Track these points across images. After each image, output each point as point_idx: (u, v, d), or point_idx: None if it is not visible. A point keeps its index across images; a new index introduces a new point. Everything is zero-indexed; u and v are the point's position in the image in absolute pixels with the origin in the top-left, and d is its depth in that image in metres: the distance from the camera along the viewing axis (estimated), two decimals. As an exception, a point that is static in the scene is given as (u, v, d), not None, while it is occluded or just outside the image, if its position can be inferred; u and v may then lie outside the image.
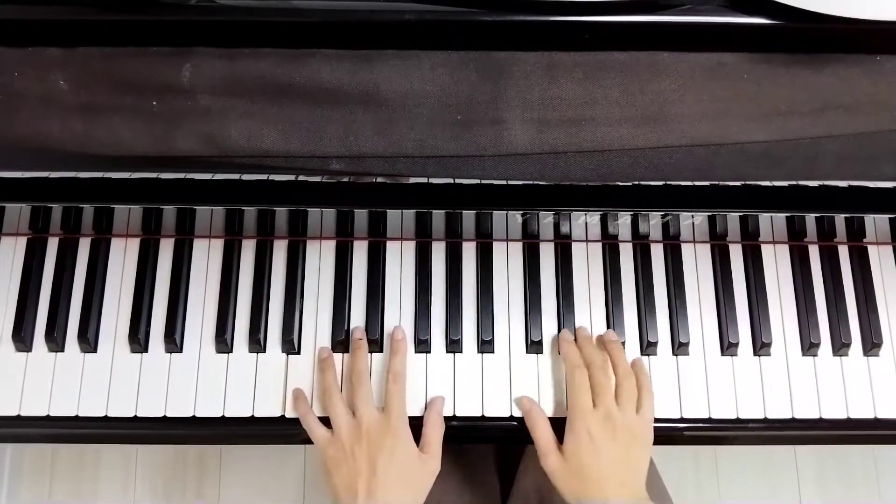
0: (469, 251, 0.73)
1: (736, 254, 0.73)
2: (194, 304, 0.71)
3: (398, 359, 0.67)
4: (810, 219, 0.74)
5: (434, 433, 0.65)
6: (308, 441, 0.67)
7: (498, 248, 0.73)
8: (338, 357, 0.69)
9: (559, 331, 0.71)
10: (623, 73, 0.51)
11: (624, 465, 0.62)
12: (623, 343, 0.70)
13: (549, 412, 0.68)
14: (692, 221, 0.74)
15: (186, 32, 0.51)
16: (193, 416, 0.68)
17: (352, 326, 0.71)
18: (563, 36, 0.51)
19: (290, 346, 0.70)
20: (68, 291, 0.71)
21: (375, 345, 0.70)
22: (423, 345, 0.70)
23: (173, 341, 0.69)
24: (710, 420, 0.69)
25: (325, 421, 0.66)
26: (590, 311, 0.72)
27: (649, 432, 0.65)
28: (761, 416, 0.69)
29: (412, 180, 0.60)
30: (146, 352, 0.70)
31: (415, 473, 0.63)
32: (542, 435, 0.65)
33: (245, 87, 0.51)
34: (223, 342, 0.69)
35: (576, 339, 0.69)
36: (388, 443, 0.62)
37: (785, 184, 0.61)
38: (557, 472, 0.63)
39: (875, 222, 0.74)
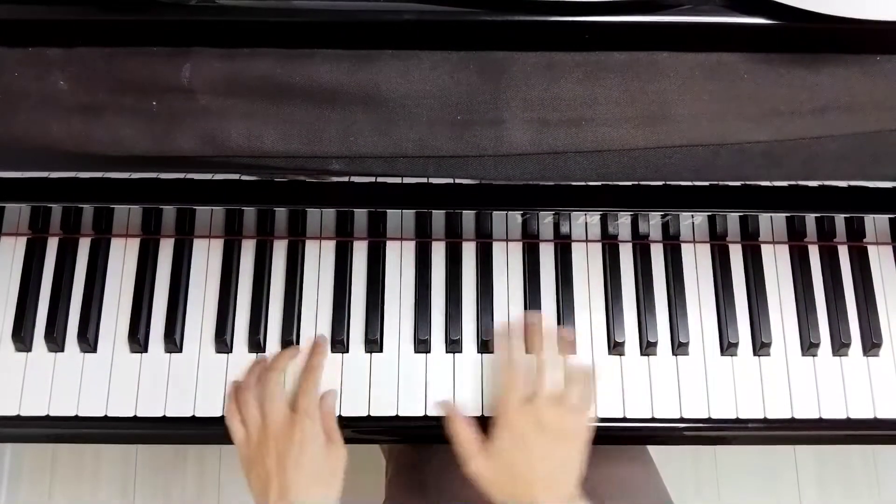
0: (469, 251, 0.73)
1: (736, 254, 0.73)
2: (194, 304, 0.71)
3: (317, 353, 0.68)
4: (810, 219, 0.74)
5: (328, 421, 0.65)
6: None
7: (498, 248, 0.73)
8: (336, 357, 0.69)
9: (559, 331, 0.71)
10: (623, 74, 0.51)
11: (556, 462, 0.60)
12: (623, 343, 0.70)
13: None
14: (692, 221, 0.74)
15: (186, 32, 0.51)
16: (193, 416, 0.68)
17: (351, 325, 0.70)
18: (563, 36, 0.51)
19: (290, 345, 0.70)
20: (68, 291, 0.71)
21: (375, 344, 0.70)
22: (422, 345, 0.70)
23: (173, 341, 0.69)
24: (709, 420, 0.69)
25: None
26: (589, 311, 0.72)
27: (584, 429, 0.63)
28: (761, 417, 0.69)
29: (412, 180, 0.60)
30: (146, 352, 0.70)
31: (325, 466, 0.62)
32: (465, 438, 0.62)
33: (245, 87, 0.51)
34: (223, 342, 0.69)
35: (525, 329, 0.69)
36: (295, 438, 0.61)
37: (785, 184, 0.61)
38: (484, 474, 0.60)
39: (875, 222, 0.74)
